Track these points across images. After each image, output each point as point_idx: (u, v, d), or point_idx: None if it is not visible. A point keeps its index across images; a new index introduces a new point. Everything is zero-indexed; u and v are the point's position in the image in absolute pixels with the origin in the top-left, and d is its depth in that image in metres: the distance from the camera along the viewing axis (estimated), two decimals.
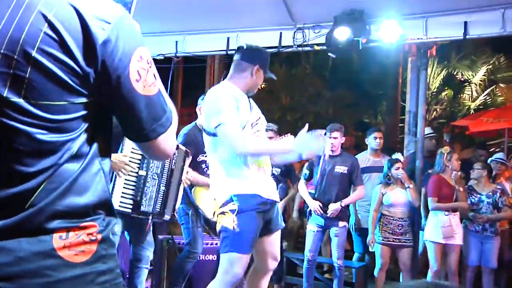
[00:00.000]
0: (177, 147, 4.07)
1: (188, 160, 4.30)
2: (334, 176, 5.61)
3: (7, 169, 1.18)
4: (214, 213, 3.54)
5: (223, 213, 3.41)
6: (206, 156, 4.60)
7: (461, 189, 5.64)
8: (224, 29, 6.58)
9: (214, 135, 3.41)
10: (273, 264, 3.69)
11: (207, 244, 5.15)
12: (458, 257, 5.70)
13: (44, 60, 1.14)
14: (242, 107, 3.44)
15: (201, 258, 5.05)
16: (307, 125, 3.41)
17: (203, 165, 4.74)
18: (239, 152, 3.34)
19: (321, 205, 5.59)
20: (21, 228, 1.17)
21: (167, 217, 4.09)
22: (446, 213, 5.63)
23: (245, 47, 3.58)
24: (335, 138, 5.61)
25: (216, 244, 5.14)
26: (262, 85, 17.69)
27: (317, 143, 3.30)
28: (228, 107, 3.34)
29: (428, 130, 7.49)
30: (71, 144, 1.22)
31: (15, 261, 1.16)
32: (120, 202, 3.86)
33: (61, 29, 1.15)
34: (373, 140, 6.46)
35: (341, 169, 5.63)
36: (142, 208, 3.94)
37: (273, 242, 3.67)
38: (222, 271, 3.37)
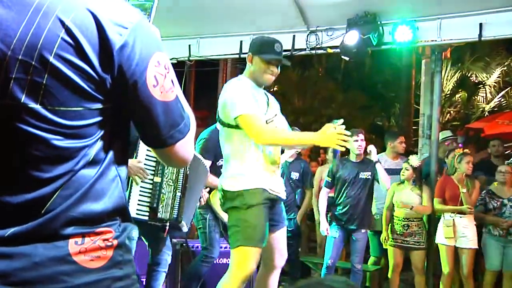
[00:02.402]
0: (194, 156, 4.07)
1: (207, 177, 4.32)
2: (358, 182, 5.58)
3: (23, 174, 1.18)
4: (222, 205, 3.57)
5: (233, 207, 3.44)
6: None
7: (464, 190, 5.56)
8: (237, 32, 6.58)
9: (229, 125, 3.44)
10: (280, 261, 3.71)
11: (221, 247, 5.13)
12: (471, 261, 5.62)
13: (61, 66, 1.14)
14: (258, 101, 3.48)
15: (216, 262, 5.04)
16: (340, 121, 3.41)
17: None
18: (259, 141, 3.36)
19: (328, 227, 5.62)
20: (37, 233, 1.17)
21: (184, 226, 4.09)
22: (451, 214, 5.61)
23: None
24: (362, 140, 5.60)
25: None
26: (275, 87, 17.60)
27: (338, 139, 3.27)
28: (247, 97, 3.38)
29: (448, 133, 7.44)
30: (88, 150, 1.21)
31: (31, 266, 1.16)
32: (137, 209, 3.87)
33: (78, 35, 1.15)
34: (399, 145, 6.53)
35: (365, 175, 5.58)
36: (159, 215, 3.94)
37: (279, 239, 3.69)
38: (235, 266, 3.38)
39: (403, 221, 5.71)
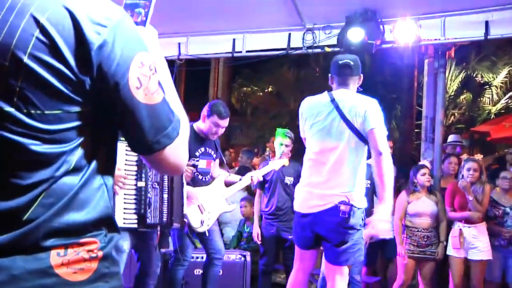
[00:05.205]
0: None
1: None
2: None
3: (1, 181, 1.17)
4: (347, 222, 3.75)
5: (359, 226, 3.74)
6: (197, 161, 4.67)
7: (470, 197, 5.48)
8: (230, 30, 6.59)
9: (363, 138, 3.75)
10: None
11: (192, 258, 5.16)
12: (482, 273, 5.57)
13: (36, 67, 1.14)
14: None
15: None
16: None
17: (194, 169, 4.82)
18: (384, 155, 3.68)
19: None
20: (16, 245, 1.16)
21: (176, 225, 4.11)
22: (459, 223, 5.56)
23: (352, 63, 3.96)
24: None
25: (202, 258, 5.24)
26: (269, 88, 17.50)
27: None
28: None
29: (453, 137, 7.46)
30: (68, 156, 1.21)
31: (9, 280, 1.15)
32: (124, 218, 3.86)
33: (54, 34, 1.15)
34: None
35: (366, 182, 5.50)
36: (149, 221, 3.94)
37: None
38: (341, 280, 3.77)
39: (423, 231, 5.60)
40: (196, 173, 4.79)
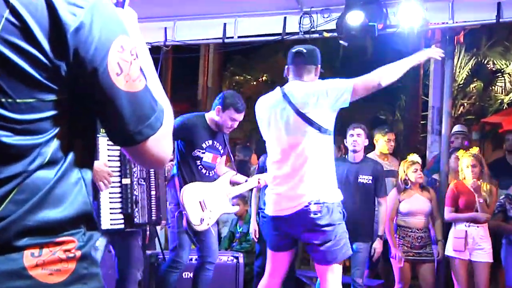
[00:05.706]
0: None
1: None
2: (357, 187, 5.43)
3: None
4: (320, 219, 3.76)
5: (337, 221, 3.78)
6: (203, 153, 4.67)
7: (481, 200, 5.44)
8: (220, 13, 6.57)
9: (323, 130, 3.77)
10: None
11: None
12: (487, 276, 5.55)
13: (6, 51, 1.13)
14: None
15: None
16: None
17: (198, 162, 4.82)
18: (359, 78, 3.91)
19: None
20: None
21: (163, 222, 4.23)
22: (467, 224, 5.54)
23: (304, 50, 4.01)
24: (358, 135, 5.46)
25: (191, 260, 5.24)
26: (264, 77, 17.52)
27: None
28: None
29: (459, 127, 7.46)
30: (43, 149, 1.20)
31: None
32: (111, 219, 3.86)
33: (25, 15, 1.14)
34: (386, 143, 6.34)
35: (365, 178, 5.44)
36: (136, 220, 3.96)
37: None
38: (335, 284, 3.82)
39: (417, 232, 5.63)
40: (200, 166, 4.83)
